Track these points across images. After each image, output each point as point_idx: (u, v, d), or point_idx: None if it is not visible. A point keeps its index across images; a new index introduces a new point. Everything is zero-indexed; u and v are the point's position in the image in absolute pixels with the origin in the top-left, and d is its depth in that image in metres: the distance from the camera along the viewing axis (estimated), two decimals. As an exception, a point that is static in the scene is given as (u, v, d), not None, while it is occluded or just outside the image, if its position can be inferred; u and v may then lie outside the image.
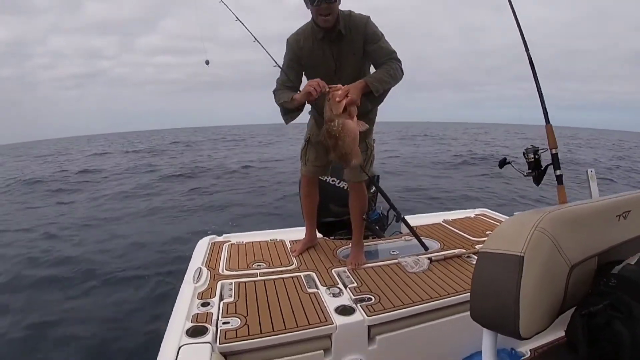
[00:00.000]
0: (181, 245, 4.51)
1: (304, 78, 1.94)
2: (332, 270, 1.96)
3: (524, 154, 1.72)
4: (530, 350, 1.68)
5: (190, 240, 2.57)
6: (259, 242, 2.39)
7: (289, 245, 2.34)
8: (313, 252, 2.24)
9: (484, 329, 0.82)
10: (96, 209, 7.53)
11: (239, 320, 1.48)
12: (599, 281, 0.88)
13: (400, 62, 1.82)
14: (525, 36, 1.68)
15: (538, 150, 1.69)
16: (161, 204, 7.80)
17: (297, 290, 1.74)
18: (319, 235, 2.44)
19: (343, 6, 1.82)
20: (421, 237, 2.32)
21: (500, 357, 1.61)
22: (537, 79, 1.67)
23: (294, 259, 2.13)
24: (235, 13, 2.15)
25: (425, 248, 2.26)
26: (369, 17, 1.84)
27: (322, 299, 1.66)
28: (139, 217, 6.77)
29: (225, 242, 2.38)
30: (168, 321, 1.49)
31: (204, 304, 1.59)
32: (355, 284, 1.80)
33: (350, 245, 2.21)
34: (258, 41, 2.13)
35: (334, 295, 1.70)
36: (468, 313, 0.82)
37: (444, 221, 2.76)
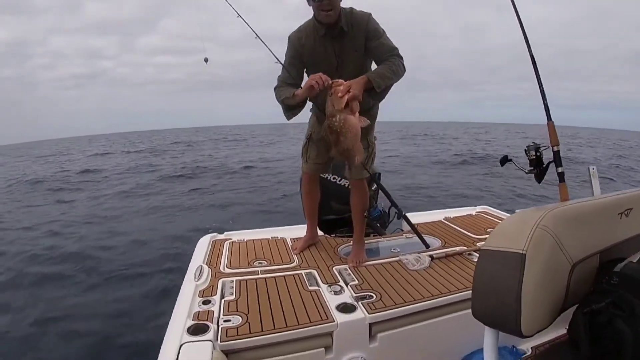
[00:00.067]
0: (183, 243, 4.53)
1: (305, 76, 1.93)
2: (333, 268, 1.96)
3: (525, 151, 1.71)
4: (531, 347, 1.68)
5: (192, 238, 2.58)
6: (260, 240, 2.39)
7: (290, 243, 2.34)
8: (314, 249, 2.24)
9: (485, 327, 0.82)
10: (97, 208, 7.57)
11: (240, 318, 1.48)
12: (601, 279, 0.88)
13: (402, 58, 1.81)
14: (526, 30, 1.66)
15: (540, 147, 1.68)
16: (162, 202, 7.83)
17: (298, 288, 1.74)
18: (320, 232, 2.44)
19: (344, 5, 1.82)
20: (422, 235, 2.31)
21: (502, 354, 1.60)
22: (539, 74, 1.66)
23: (295, 257, 2.13)
24: (236, 9, 2.15)
25: (427, 245, 2.26)
26: (370, 14, 1.84)
27: (323, 297, 1.66)
28: (140, 216, 6.79)
29: (226, 239, 2.38)
30: (169, 319, 1.49)
31: (205, 302, 1.59)
32: (356, 282, 1.80)
33: (351, 243, 2.21)
34: (259, 37, 2.12)
35: (335, 292, 1.70)
36: (469, 311, 0.82)
37: (445, 219, 2.75)
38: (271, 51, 2.04)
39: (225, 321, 1.45)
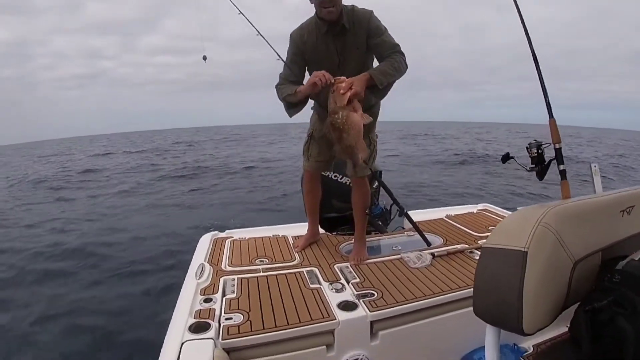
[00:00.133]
0: (184, 241, 4.54)
1: (307, 74, 1.93)
2: (335, 266, 1.96)
3: (527, 148, 1.70)
4: (533, 345, 1.68)
5: (193, 237, 2.59)
6: (262, 238, 2.39)
7: (291, 241, 2.34)
8: (315, 247, 2.24)
9: (486, 325, 0.82)
10: (99, 206, 7.58)
11: (242, 316, 1.48)
12: (602, 277, 0.88)
13: (404, 55, 1.81)
14: (527, 27, 1.65)
15: (542, 144, 1.67)
16: (164, 201, 7.84)
17: (299, 286, 1.74)
18: (321, 230, 2.44)
19: (345, 2, 1.82)
20: (424, 233, 2.31)
21: (503, 352, 1.60)
22: (540, 71, 1.65)
23: (296, 255, 2.13)
24: (237, 7, 2.15)
25: (428, 243, 2.26)
26: (372, 11, 1.84)
27: (325, 295, 1.66)
28: (142, 214, 6.81)
29: (227, 238, 2.39)
30: (171, 316, 1.49)
31: (207, 300, 1.59)
32: (357, 280, 1.80)
33: (352, 241, 2.21)
34: (261, 34, 2.12)
35: (337, 290, 1.70)
36: (471, 309, 0.82)
37: (447, 216, 2.75)
38: (272, 47, 2.04)
39: (226, 319, 1.46)
